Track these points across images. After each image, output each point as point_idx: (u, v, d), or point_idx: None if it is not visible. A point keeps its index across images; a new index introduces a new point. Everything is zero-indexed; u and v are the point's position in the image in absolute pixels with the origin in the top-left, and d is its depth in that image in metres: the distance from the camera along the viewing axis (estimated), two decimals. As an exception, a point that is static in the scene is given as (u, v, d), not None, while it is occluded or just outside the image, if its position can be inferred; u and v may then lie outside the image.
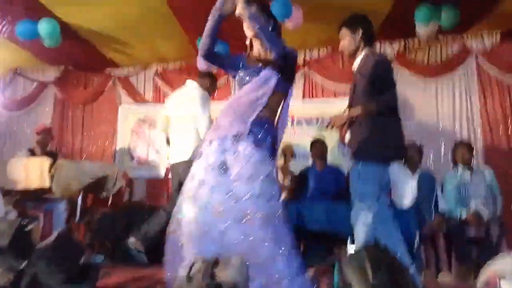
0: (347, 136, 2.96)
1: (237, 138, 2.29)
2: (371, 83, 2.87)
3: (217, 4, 2.36)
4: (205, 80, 4.33)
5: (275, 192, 2.26)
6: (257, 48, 2.53)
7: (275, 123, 2.49)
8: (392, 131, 2.91)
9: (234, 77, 2.59)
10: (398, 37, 5.66)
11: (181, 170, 3.57)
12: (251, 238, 2.10)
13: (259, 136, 2.33)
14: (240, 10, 2.30)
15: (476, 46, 5.46)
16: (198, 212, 2.19)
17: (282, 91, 2.49)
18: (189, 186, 2.29)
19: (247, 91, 2.42)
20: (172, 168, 4.01)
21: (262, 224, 2.13)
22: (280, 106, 2.52)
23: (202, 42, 2.45)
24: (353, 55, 3.05)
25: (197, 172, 2.29)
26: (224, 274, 1.66)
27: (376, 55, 3.02)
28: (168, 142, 4.18)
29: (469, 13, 4.71)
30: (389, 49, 5.73)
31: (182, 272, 1.62)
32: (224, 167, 2.25)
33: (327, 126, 2.97)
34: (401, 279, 1.55)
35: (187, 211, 2.23)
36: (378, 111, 2.88)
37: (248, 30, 2.46)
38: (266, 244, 2.11)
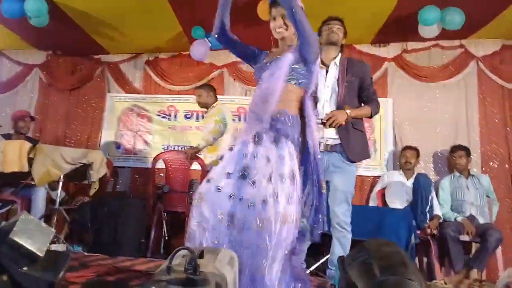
0: (334, 135, 2.95)
1: (257, 139, 2.22)
2: (361, 85, 3.08)
3: None
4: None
5: (293, 193, 2.13)
6: (282, 47, 2.46)
7: (298, 116, 2.35)
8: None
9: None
10: (399, 39, 5.56)
11: None
12: (261, 242, 2.00)
13: (278, 133, 2.23)
14: None
15: (478, 51, 5.37)
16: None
17: (299, 84, 2.35)
18: (203, 187, 2.19)
19: (261, 86, 2.34)
20: None
21: (276, 227, 2.02)
22: (301, 96, 2.39)
23: (215, 22, 2.42)
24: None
25: (213, 176, 2.19)
26: (209, 268, 1.48)
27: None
28: None
29: (472, 19, 4.61)
30: (389, 51, 5.63)
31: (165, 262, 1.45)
32: (246, 172, 2.14)
33: (324, 122, 2.86)
34: (410, 273, 1.39)
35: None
36: (374, 113, 3.13)
37: (276, 33, 2.42)
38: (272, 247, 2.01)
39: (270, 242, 1.98)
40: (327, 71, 3.12)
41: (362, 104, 3.14)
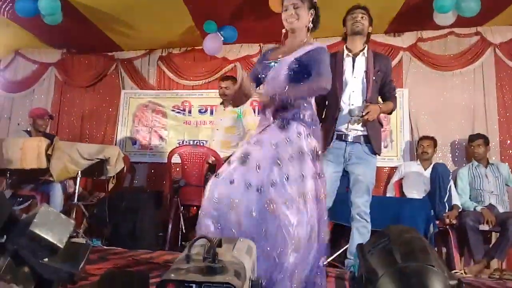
0: (359, 127, 2.97)
1: (262, 131, 2.22)
2: (385, 80, 3.12)
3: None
4: None
5: (301, 173, 2.08)
6: (291, 40, 2.41)
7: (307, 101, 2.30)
8: None
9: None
10: (414, 28, 5.49)
11: None
12: (268, 225, 1.97)
13: (285, 118, 2.19)
14: None
15: (495, 38, 5.27)
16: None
17: (302, 79, 2.30)
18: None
19: (267, 88, 2.31)
20: None
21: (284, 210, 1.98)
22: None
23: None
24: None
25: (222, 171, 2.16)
26: (228, 257, 1.48)
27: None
28: None
29: (488, 5, 4.52)
30: (404, 40, 5.56)
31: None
32: (246, 158, 2.12)
33: (361, 115, 2.89)
34: (431, 259, 1.37)
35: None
36: (394, 110, 3.21)
37: (287, 23, 2.36)
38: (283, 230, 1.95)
39: (285, 226, 1.94)
40: (353, 60, 3.11)
41: (380, 98, 3.17)
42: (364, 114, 2.89)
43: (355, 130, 2.98)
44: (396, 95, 3.19)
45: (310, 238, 2.01)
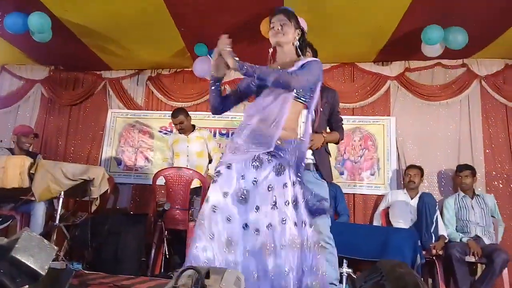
0: (309, 155, 3.02)
1: (257, 164, 2.16)
2: (331, 111, 3.24)
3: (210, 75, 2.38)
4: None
5: (297, 218, 2.13)
6: (281, 55, 2.42)
7: (299, 138, 2.33)
8: None
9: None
10: (402, 58, 5.58)
11: None
12: (270, 269, 1.99)
13: (282, 162, 2.19)
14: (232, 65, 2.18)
15: (481, 70, 5.38)
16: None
17: (303, 99, 2.32)
18: (203, 208, 2.11)
19: (264, 102, 2.25)
20: None
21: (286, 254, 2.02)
22: (303, 118, 2.43)
23: (210, 102, 2.49)
24: None
25: (212, 196, 2.11)
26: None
27: None
28: None
29: (475, 38, 4.62)
30: (392, 69, 5.64)
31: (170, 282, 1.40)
32: (244, 196, 2.09)
33: None
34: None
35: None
36: (341, 139, 3.30)
37: (273, 37, 2.37)
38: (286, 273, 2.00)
39: (279, 267, 1.98)
40: None
41: (328, 129, 3.28)
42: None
43: (306, 158, 3.02)
44: (342, 125, 3.30)
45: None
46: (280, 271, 1.98)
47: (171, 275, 3.48)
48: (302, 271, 2.05)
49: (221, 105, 2.47)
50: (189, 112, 5.11)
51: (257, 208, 2.07)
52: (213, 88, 2.40)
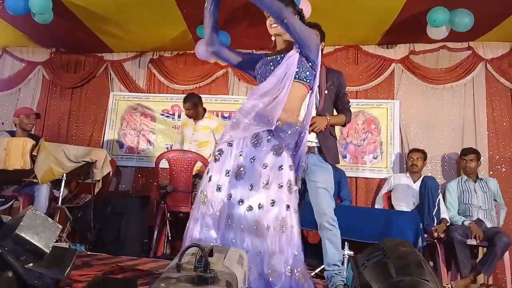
0: (313, 138, 3.01)
1: (256, 141, 2.19)
2: (337, 94, 3.18)
3: None
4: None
5: (290, 201, 2.19)
6: (281, 44, 2.44)
7: (300, 122, 2.36)
8: None
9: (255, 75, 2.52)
10: (406, 40, 5.52)
11: None
12: (260, 249, 2.06)
13: (281, 143, 2.23)
14: None
15: (486, 54, 5.32)
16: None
17: (305, 80, 2.32)
18: (205, 186, 2.17)
19: (268, 85, 2.26)
20: None
21: (274, 236, 2.08)
22: (306, 101, 2.43)
23: (205, 34, 2.43)
24: None
25: (213, 173, 2.17)
26: (219, 266, 1.43)
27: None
28: None
29: (481, 21, 4.56)
30: (397, 52, 5.58)
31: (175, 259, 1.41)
32: (240, 173, 2.13)
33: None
34: (426, 274, 1.34)
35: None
36: (347, 122, 3.23)
37: (271, 29, 2.37)
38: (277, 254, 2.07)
39: (268, 248, 2.04)
40: None
41: (335, 112, 3.23)
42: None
43: (309, 141, 3.00)
44: (349, 108, 3.25)
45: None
46: (268, 251, 2.04)
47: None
48: (290, 255, 2.11)
49: (214, 36, 2.42)
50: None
51: (251, 186, 2.11)
52: (210, 7, 2.34)
